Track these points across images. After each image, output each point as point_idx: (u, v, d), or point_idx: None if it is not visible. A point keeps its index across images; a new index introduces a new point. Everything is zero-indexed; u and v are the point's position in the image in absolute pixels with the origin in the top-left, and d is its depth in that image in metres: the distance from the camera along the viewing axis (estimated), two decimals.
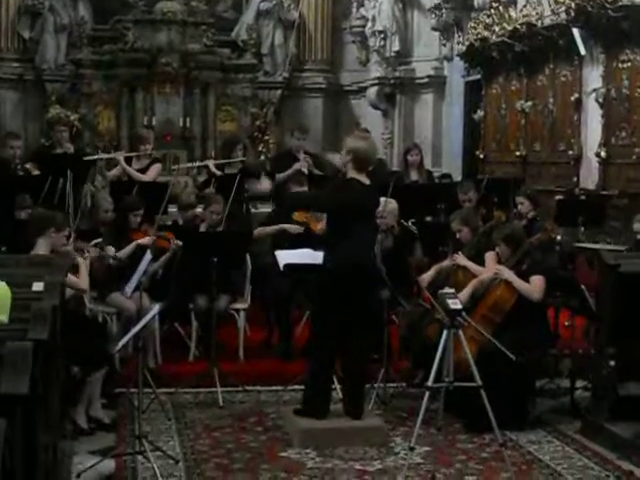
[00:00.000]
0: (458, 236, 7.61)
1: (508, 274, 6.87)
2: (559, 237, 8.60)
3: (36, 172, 9.33)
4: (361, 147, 6.47)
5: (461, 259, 7.28)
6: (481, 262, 7.28)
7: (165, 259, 7.96)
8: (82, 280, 6.69)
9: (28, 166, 9.54)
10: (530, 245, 7.08)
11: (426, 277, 7.41)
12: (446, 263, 7.47)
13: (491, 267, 7.10)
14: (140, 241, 7.81)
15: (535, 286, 6.85)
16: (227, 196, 8.70)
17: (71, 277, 6.45)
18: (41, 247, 6.44)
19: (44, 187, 8.34)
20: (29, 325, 4.33)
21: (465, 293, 6.87)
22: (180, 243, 7.87)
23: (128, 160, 10.17)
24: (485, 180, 9.44)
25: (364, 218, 6.46)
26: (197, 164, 11.07)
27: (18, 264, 5.85)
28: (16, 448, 3.61)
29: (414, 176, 10.25)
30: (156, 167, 10.02)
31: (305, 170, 9.81)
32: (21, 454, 3.75)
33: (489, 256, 7.26)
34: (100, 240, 7.65)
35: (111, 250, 7.65)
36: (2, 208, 8.44)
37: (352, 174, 6.45)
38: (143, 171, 9.88)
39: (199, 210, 9.12)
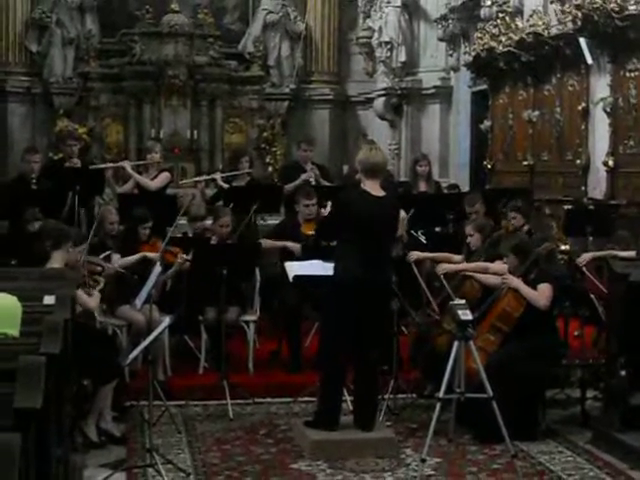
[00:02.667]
0: (468, 240, 7.62)
1: (516, 282, 6.87)
2: (567, 247, 8.60)
3: (46, 186, 9.34)
4: (367, 156, 6.52)
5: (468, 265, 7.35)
6: None
7: (171, 273, 7.97)
8: (92, 300, 6.73)
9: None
10: (537, 255, 7.09)
11: (416, 253, 7.47)
12: (457, 257, 7.54)
13: (500, 265, 7.14)
14: (147, 254, 7.82)
15: (542, 293, 6.85)
16: (236, 209, 8.74)
17: (82, 295, 6.46)
18: (56, 260, 6.41)
19: (54, 201, 8.36)
20: (41, 339, 4.33)
21: (461, 265, 7.00)
22: (185, 257, 7.88)
23: (138, 172, 10.22)
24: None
25: (376, 229, 6.45)
26: (204, 178, 11.10)
27: (29, 277, 5.86)
28: (29, 462, 3.61)
29: (423, 187, 10.26)
30: (163, 175, 10.04)
31: (312, 181, 9.83)
32: (34, 468, 3.75)
33: (498, 264, 7.27)
34: (109, 253, 7.68)
35: (117, 257, 7.66)
36: (14, 222, 8.49)
37: (365, 186, 6.49)
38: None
39: (208, 222, 9.13)
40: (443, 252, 7.88)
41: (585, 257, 8.17)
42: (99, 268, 7.17)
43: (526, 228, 8.40)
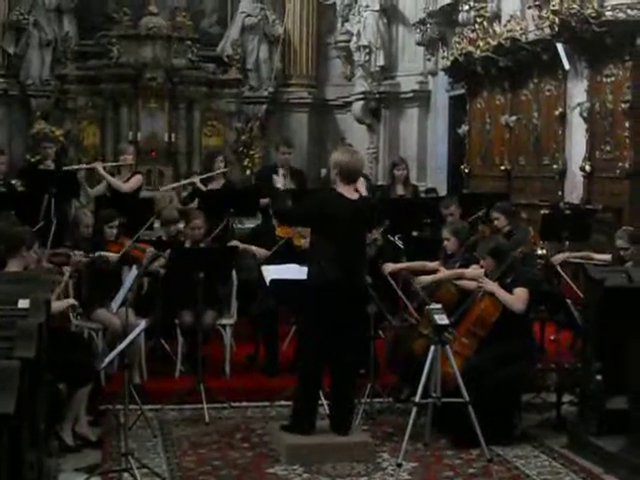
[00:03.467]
0: (445, 244, 7.63)
1: (492, 285, 6.88)
2: (544, 251, 8.63)
3: (21, 189, 9.30)
4: (347, 160, 6.51)
5: (445, 271, 7.33)
6: None
7: (144, 266, 7.91)
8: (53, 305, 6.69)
9: (14, 182, 9.51)
10: (513, 259, 7.10)
11: (390, 265, 7.46)
12: (431, 265, 7.52)
13: (476, 270, 7.14)
14: (104, 254, 7.77)
15: (518, 297, 6.85)
16: (212, 212, 8.72)
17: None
18: (14, 265, 6.35)
19: (29, 204, 8.31)
20: (15, 343, 4.31)
21: (438, 275, 7.00)
22: (155, 251, 7.86)
23: (111, 174, 10.20)
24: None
25: (350, 232, 6.44)
26: (183, 182, 11.07)
27: (2, 281, 5.81)
28: (2, 467, 3.59)
29: (400, 190, 10.26)
30: (136, 178, 10.00)
31: (280, 186, 9.72)
32: (7, 472, 3.73)
33: (473, 269, 7.27)
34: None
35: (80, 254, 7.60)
36: None
37: (339, 188, 6.48)
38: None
39: (182, 226, 9.11)
40: (420, 257, 7.89)
41: (560, 257, 8.23)
42: (64, 258, 7.12)
43: (507, 229, 8.43)
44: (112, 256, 7.79)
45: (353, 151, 6.96)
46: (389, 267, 7.53)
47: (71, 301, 6.93)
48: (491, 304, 6.86)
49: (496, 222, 8.48)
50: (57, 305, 6.64)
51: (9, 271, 6.22)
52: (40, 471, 5.10)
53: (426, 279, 7.30)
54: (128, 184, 9.84)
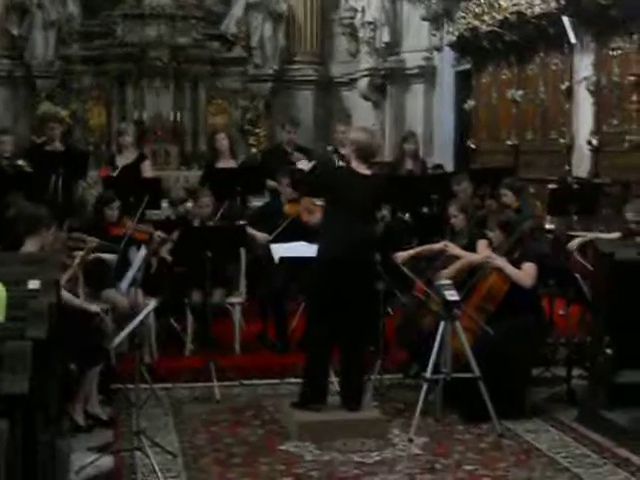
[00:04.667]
0: (452, 221, 7.61)
1: (500, 261, 6.87)
2: (552, 226, 8.60)
3: (28, 169, 9.30)
4: (364, 140, 6.53)
5: (452, 248, 7.29)
6: (473, 251, 7.29)
7: (153, 249, 7.92)
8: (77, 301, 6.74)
9: (20, 162, 9.50)
10: (522, 233, 7.09)
11: (402, 254, 7.43)
12: (437, 246, 7.48)
13: (483, 253, 7.11)
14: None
15: (527, 273, 6.85)
16: (220, 190, 8.73)
17: (65, 294, 6.43)
18: (31, 245, 6.35)
19: (37, 184, 8.31)
20: (26, 324, 4.32)
21: (451, 269, 6.91)
22: (162, 234, 7.87)
23: (112, 157, 10.20)
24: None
25: (357, 205, 6.44)
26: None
27: (13, 262, 5.82)
28: (16, 447, 3.61)
29: (409, 165, 10.23)
30: (148, 164, 10.05)
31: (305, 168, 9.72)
32: (20, 453, 3.75)
33: (481, 243, 7.26)
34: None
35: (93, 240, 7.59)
36: None
37: (353, 165, 6.51)
38: (130, 166, 9.84)
39: (189, 205, 9.11)
40: (428, 234, 7.87)
41: (576, 242, 8.14)
42: (81, 243, 7.15)
43: (516, 205, 8.42)
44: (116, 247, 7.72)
45: (371, 131, 6.97)
46: (400, 257, 7.44)
47: (97, 309, 6.94)
48: (499, 279, 6.85)
49: (504, 199, 8.46)
50: (82, 304, 6.78)
51: (20, 253, 6.23)
52: (53, 451, 5.12)
53: (448, 273, 7.18)
54: (148, 174, 9.86)
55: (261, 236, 8.56)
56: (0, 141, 9.66)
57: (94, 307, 6.90)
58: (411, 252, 7.54)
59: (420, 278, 7.32)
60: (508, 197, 8.45)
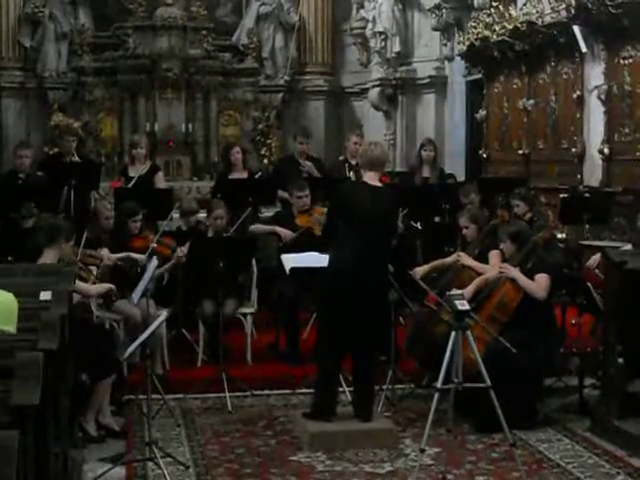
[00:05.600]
0: (464, 232, 7.61)
1: (514, 272, 6.87)
2: (564, 235, 8.59)
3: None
4: (367, 151, 6.62)
5: (465, 259, 7.29)
6: (485, 262, 7.29)
7: (169, 267, 8.00)
8: (93, 289, 6.75)
9: (39, 174, 9.53)
10: (534, 243, 7.08)
11: (419, 270, 7.40)
12: (450, 259, 7.48)
13: (496, 265, 7.10)
14: (131, 254, 7.80)
15: (540, 284, 6.84)
16: (234, 201, 8.76)
17: (80, 283, 6.46)
18: (49, 256, 6.41)
19: (50, 196, 8.34)
20: (38, 335, 4.33)
21: (469, 290, 6.88)
22: (184, 251, 7.90)
23: (125, 168, 10.22)
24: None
25: (371, 219, 6.44)
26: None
27: (25, 273, 5.85)
28: (28, 458, 3.61)
29: (426, 172, 10.24)
30: (161, 175, 10.11)
31: (305, 174, 9.82)
32: (32, 464, 3.75)
33: (493, 254, 7.27)
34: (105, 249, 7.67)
35: (105, 252, 7.61)
36: (8, 218, 8.46)
37: (364, 177, 6.56)
38: (143, 177, 9.86)
39: (201, 216, 9.13)
40: (439, 243, 7.87)
41: (594, 259, 8.06)
42: (97, 260, 7.18)
43: (529, 216, 8.41)
44: (140, 257, 7.77)
45: (376, 142, 7.03)
46: (419, 272, 7.41)
47: (110, 285, 6.95)
48: (512, 289, 6.85)
49: (516, 209, 8.46)
50: (96, 288, 6.82)
51: (34, 264, 6.25)
52: (65, 462, 5.14)
53: (467, 295, 7.12)
54: (162, 185, 9.95)
55: (287, 233, 8.59)
56: (20, 155, 9.62)
57: (108, 286, 6.89)
58: (426, 268, 7.52)
59: (432, 288, 7.31)
60: (520, 208, 8.45)
